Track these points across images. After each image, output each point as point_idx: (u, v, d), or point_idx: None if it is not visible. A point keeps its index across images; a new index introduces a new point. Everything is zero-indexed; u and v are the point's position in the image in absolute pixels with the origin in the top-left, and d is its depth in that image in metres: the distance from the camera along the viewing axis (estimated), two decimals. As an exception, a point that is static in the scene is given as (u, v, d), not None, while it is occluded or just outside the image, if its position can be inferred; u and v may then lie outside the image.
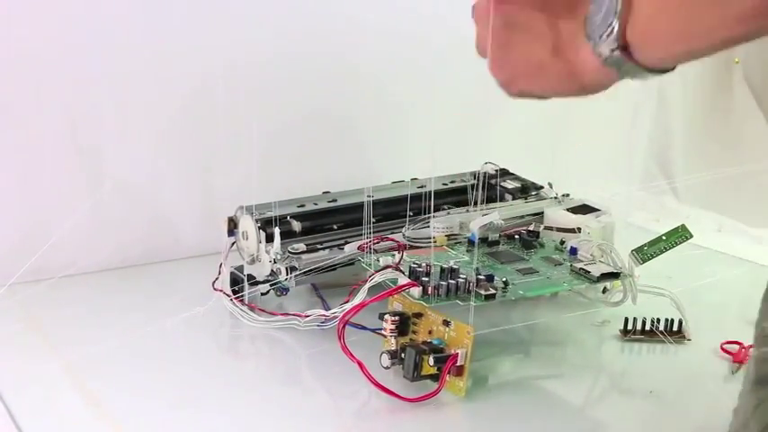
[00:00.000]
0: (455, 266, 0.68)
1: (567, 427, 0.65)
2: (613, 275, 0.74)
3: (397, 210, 0.86)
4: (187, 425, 0.63)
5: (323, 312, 0.73)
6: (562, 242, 0.80)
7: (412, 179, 0.92)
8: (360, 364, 0.64)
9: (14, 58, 0.82)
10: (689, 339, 0.77)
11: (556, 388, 0.70)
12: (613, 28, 0.42)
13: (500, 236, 0.80)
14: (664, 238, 0.76)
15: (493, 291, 0.67)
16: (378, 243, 0.75)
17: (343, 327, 0.66)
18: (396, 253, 0.72)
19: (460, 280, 0.67)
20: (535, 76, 0.48)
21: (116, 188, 0.88)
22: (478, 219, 0.80)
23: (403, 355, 0.65)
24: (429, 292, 0.66)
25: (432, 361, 0.63)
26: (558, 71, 0.46)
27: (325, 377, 0.70)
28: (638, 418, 0.66)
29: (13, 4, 0.81)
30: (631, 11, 0.42)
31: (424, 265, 0.68)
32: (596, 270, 0.73)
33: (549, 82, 0.47)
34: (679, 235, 0.77)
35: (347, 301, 0.69)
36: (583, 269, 0.73)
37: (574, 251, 0.77)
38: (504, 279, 0.70)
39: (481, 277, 0.68)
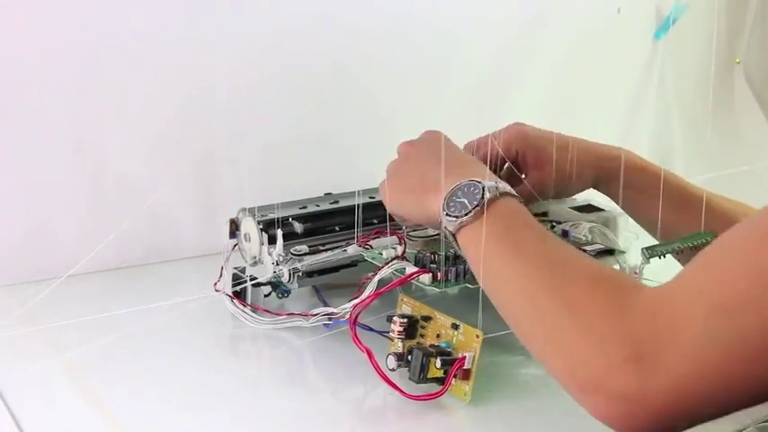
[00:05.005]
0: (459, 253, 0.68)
1: (569, 427, 0.65)
2: (608, 252, 0.75)
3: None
4: (188, 425, 0.62)
5: (332, 310, 0.72)
6: (552, 225, 0.81)
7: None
8: (368, 353, 0.64)
9: (16, 59, 0.82)
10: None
11: (557, 388, 0.70)
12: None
13: None
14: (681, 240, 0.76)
15: None
16: (377, 237, 0.75)
17: (356, 316, 0.65)
18: (397, 246, 0.71)
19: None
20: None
21: (117, 188, 0.88)
22: None
23: (409, 357, 0.64)
24: (439, 278, 0.66)
25: (438, 363, 0.63)
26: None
27: (327, 379, 0.70)
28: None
29: (14, 5, 0.81)
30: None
31: (428, 253, 0.68)
32: (593, 249, 0.75)
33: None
34: (701, 238, 0.75)
35: (356, 297, 0.68)
36: (581, 249, 0.74)
37: (566, 234, 0.78)
38: None
39: None
